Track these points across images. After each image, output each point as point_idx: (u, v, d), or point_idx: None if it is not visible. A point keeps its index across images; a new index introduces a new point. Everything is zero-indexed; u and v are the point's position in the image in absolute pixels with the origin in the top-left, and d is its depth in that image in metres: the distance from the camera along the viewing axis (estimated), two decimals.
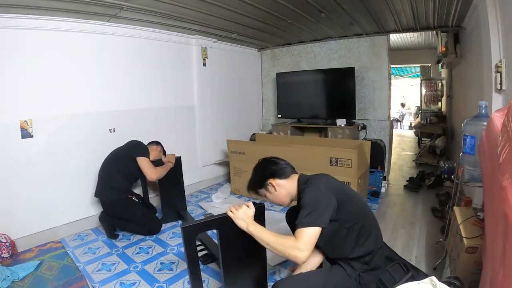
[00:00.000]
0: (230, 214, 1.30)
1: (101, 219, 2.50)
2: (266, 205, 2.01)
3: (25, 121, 2.24)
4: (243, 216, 1.28)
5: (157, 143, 2.74)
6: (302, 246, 1.13)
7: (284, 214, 1.71)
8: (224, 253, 1.36)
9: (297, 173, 1.46)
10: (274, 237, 1.20)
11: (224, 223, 1.32)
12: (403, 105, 11.18)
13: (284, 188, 1.42)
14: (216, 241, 1.39)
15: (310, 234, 1.15)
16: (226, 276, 1.38)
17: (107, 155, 2.52)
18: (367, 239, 1.31)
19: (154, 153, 2.63)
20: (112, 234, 2.44)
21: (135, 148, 2.48)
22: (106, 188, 2.40)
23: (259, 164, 1.49)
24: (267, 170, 1.44)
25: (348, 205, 1.29)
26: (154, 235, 2.47)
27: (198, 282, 1.34)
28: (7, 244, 2.02)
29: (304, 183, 1.35)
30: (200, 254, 2.09)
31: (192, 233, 1.29)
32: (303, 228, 1.16)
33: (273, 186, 1.41)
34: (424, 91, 6.05)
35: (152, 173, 2.43)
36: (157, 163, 2.59)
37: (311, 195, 1.24)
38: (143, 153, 2.45)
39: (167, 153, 2.82)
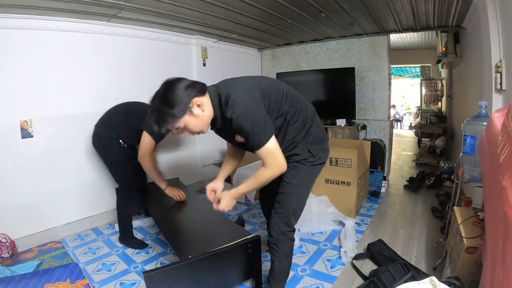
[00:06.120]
0: (223, 209, 1.36)
1: None
2: None
3: (25, 121, 2.23)
4: (230, 205, 1.36)
5: None
6: (277, 162, 1.24)
7: None
8: None
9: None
10: (255, 180, 1.29)
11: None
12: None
13: (208, 108, 1.23)
14: None
15: (272, 147, 1.22)
16: None
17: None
18: (301, 114, 1.37)
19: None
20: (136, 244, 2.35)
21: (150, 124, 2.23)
22: (104, 124, 2.21)
23: (170, 84, 1.18)
24: (190, 87, 1.18)
25: (273, 95, 1.29)
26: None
27: None
28: (7, 244, 2.03)
29: (220, 99, 1.22)
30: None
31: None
32: (262, 147, 1.20)
33: (199, 106, 1.20)
34: (424, 91, 6.06)
35: (143, 153, 2.11)
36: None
37: (245, 115, 1.17)
38: (152, 133, 2.11)
39: None
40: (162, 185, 2.24)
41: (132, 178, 2.27)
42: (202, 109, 1.21)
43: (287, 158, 1.34)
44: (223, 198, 1.36)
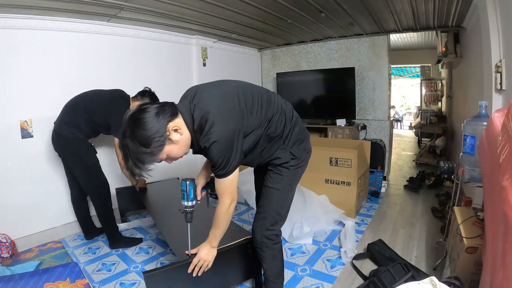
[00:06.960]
0: (205, 266, 1.33)
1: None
2: None
3: (25, 121, 2.24)
4: (211, 259, 1.33)
5: (142, 95, 2.21)
6: (229, 199, 1.19)
7: None
8: None
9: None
10: (216, 224, 1.26)
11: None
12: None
13: (184, 129, 1.11)
14: None
15: (232, 180, 1.16)
16: None
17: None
18: (280, 119, 1.27)
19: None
20: (87, 233, 2.39)
21: (116, 126, 2.04)
22: (66, 123, 2.05)
23: (136, 117, 1.02)
24: (160, 113, 1.04)
25: (253, 106, 1.18)
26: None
27: None
28: (7, 244, 2.03)
29: (194, 120, 1.10)
30: None
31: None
32: (224, 178, 1.15)
33: (177, 130, 1.08)
34: (424, 91, 6.05)
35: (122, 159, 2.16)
36: None
37: (218, 144, 1.06)
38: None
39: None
40: (134, 182, 2.48)
41: (106, 179, 2.22)
42: (181, 133, 1.09)
43: (270, 162, 1.33)
44: (209, 258, 1.32)
